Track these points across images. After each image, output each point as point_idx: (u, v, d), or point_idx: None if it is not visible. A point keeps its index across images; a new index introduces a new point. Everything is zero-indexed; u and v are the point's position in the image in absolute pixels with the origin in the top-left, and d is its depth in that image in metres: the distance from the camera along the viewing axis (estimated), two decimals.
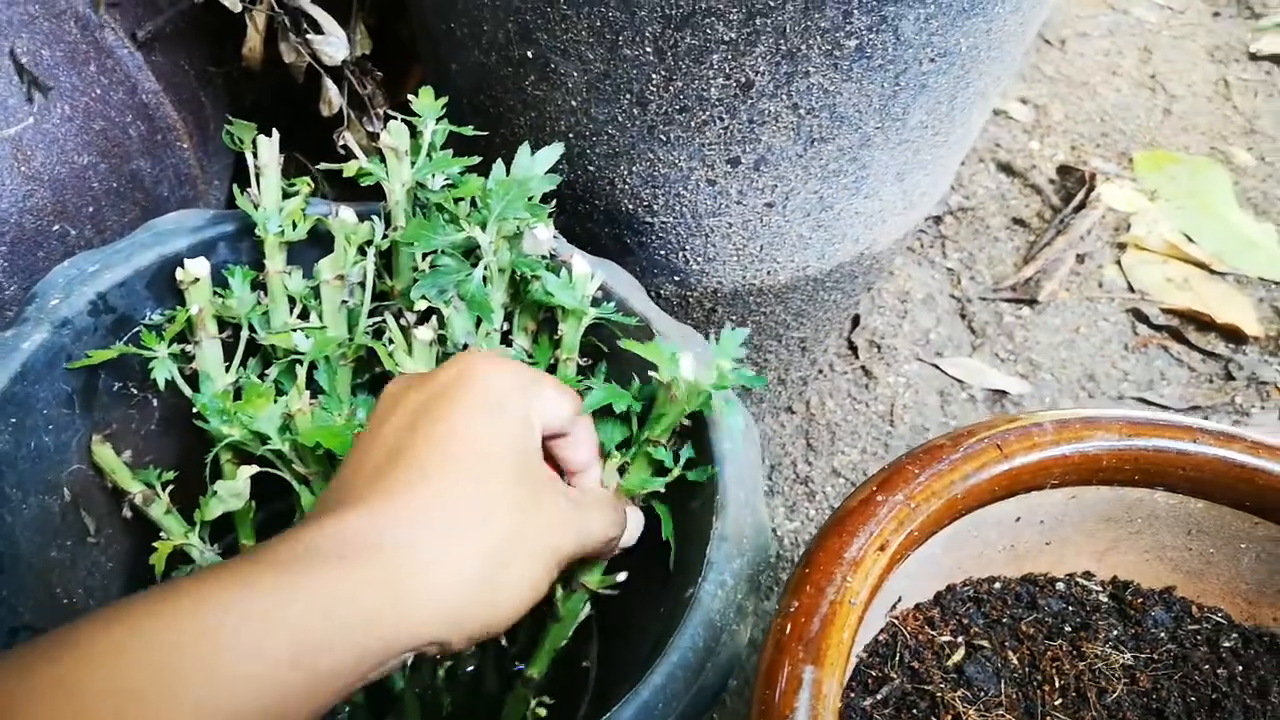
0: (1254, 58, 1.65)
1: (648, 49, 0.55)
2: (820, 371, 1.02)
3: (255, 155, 0.58)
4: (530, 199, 0.54)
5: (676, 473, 0.52)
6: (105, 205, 0.64)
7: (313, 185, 0.59)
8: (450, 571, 0.35)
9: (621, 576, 0.55)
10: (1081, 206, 1.26)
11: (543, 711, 0.60)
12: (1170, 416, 0.49)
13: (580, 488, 0.50)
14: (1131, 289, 1.18)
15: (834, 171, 0.62)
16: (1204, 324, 1.14)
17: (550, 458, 0.49)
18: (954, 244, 1.22)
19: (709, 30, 0.53)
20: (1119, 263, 1.22)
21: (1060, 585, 0.53)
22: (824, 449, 0.96)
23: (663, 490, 0.53)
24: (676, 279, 0.71)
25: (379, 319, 0.59)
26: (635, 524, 0.51)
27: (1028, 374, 1.07)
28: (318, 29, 0.61)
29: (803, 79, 0.55)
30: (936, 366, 1.06)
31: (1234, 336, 1.12)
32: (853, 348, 1.06)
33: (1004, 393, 1.03)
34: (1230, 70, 1.62)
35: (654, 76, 0.56)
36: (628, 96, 0.58)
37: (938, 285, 1.16)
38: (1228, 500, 0.49)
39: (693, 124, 0.58)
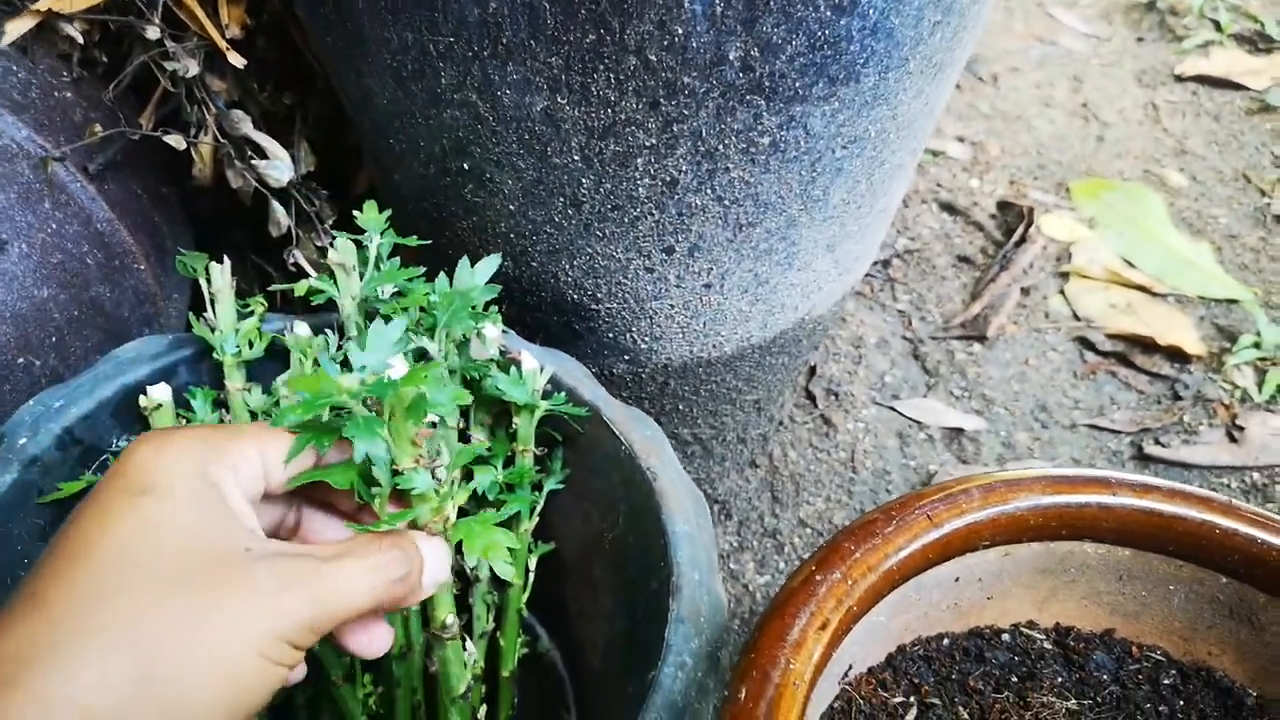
0: (1179, 79, 1.71)
1: (575, 157, 0.58)
2: (780, 424, 1.04)
3: (209, 282, 0.60)
4: (474, 308, 0.57)
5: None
6: (68, 334, 0.66)
7: (265, 304, 0.61)
8: (97, 676, 0.33)
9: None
10: (1023, 240, 1.30)
11: None
12: (1089, 471, 0.51)
13: (333, 541, 0.44)
14: (1077, 317, 1.22)
15: (765, 250, 0.66)
16: (1149, 346, 1.18)
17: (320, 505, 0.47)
18: (903, 286, 1.26)
19: (631, 138, 0.56)
20: (1063, 292, 1.26)
21: (1006, 636, 0.56)
22: (789, 500, 0.98)
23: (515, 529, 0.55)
24: (627, 358, 0.74)
25: None
26: (436, 556, 0.45)
27: (982, 409, 1.10)
28: (262, 154, 0.64)
29: (724, 174, 0.58)
30: (894, 409, 1.09)
31: (1178, 357, 1.16)
32: (811, 397, 1.09)
33: (960, 430, 1.06)
34: (1158, 93, 1.68)
35: (584, 181, 0.59)
36: (561, 199, 0.61)
37: (890, 328, 1.20)
38: (1151, 547, 0.52)
39: (625, 220, 0.61)
